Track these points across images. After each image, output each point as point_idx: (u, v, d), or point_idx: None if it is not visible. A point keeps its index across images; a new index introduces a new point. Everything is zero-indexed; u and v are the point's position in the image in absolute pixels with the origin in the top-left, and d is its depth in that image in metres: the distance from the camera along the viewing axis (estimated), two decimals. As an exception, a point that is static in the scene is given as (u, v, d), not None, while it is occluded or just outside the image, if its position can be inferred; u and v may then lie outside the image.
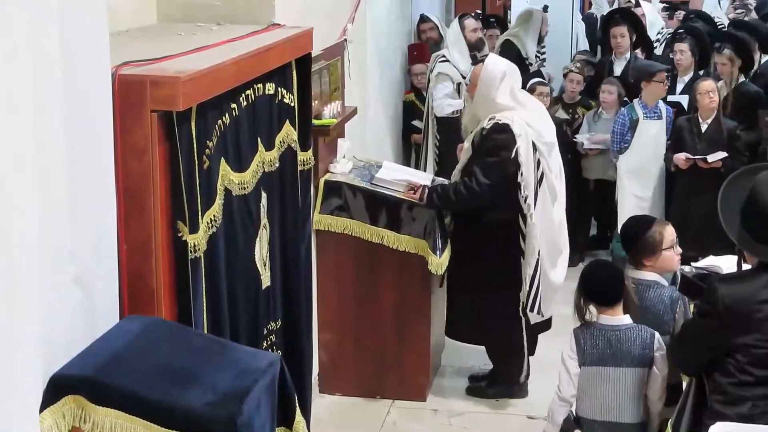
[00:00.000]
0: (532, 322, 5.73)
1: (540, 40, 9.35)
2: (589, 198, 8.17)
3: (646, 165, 7.52)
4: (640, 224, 4.63)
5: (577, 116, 8.13)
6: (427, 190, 5.70)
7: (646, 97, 7.56)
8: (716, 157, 7.04)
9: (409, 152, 8.52)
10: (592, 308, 4.41)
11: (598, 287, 4.36)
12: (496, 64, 5.78)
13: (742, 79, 7.74)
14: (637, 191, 7.52)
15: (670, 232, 4.51)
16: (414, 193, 5.73)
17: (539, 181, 5.63)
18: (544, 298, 5.68)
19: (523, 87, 6.24)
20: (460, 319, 5.94)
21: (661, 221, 4.70)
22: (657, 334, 4.28)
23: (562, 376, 4.40)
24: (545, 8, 9.58)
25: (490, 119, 5.58)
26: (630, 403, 4.30)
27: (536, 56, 9.18)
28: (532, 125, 5.63)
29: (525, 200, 5.54)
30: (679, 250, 4.56)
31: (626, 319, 4.30)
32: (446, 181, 5.98)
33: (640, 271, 4.48)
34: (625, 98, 7.90)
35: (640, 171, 7.54)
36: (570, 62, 9.04)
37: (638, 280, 4.45)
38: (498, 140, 5.55)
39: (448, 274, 5.89)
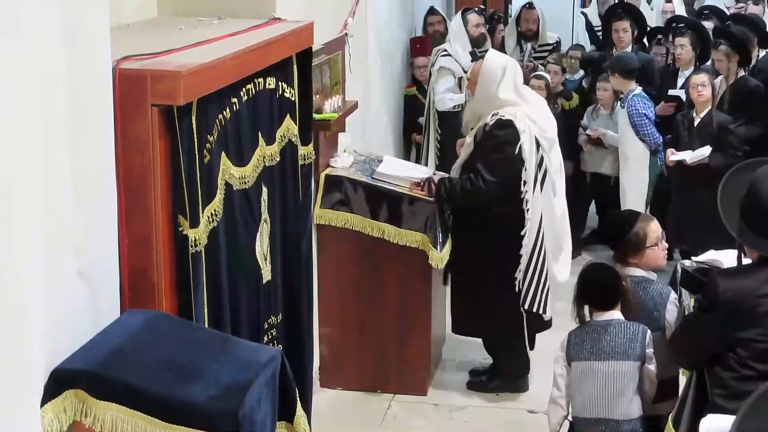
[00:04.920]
0: (546, 319, 5.72)
1: (527, 39, 9.25)
2: (586, 191, 8.18)
3: (622, 152, 7.63)
4: (622, 222, 4.59)
5: (556, 106, 8.10)
6: (434, 185, 5.69)
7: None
8: (696, 157, 7.04)
9: (410, 146, 8.50)
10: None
11: (593, 291, 4.34)
12: (495, 59, 5.75)
13: (741, 73, 7.72)
14: (622, 176, 7.63)
15: (653, 230, 4.46)
16: (421, 189, 5.73)
17: (543, 177, 5.62)
18: (550, 297, 5.67)
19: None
20: (462, 314, 5.94)
21: (646, 217, 4.64)
22: (649, 332, 4.22)
23: (553, 377, 4.40)
24: (530, 5, 9.25)
25: (493, 115, 5.56)
26: (618, 399, 4.20)
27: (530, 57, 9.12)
28: (536, 121, 5.62)
29: (524, 195, 5.54)
30: (665, 245, 4.53)
31: (616, 315, 4.26)
32: (446, 176, 5.97)
33: (628, 267, 4.44)
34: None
35: (622, 158, 7.66)
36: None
37: (626, 276, 4.40)
38: (501, 136, 5.53)
39: (451, 270, 5.89)
